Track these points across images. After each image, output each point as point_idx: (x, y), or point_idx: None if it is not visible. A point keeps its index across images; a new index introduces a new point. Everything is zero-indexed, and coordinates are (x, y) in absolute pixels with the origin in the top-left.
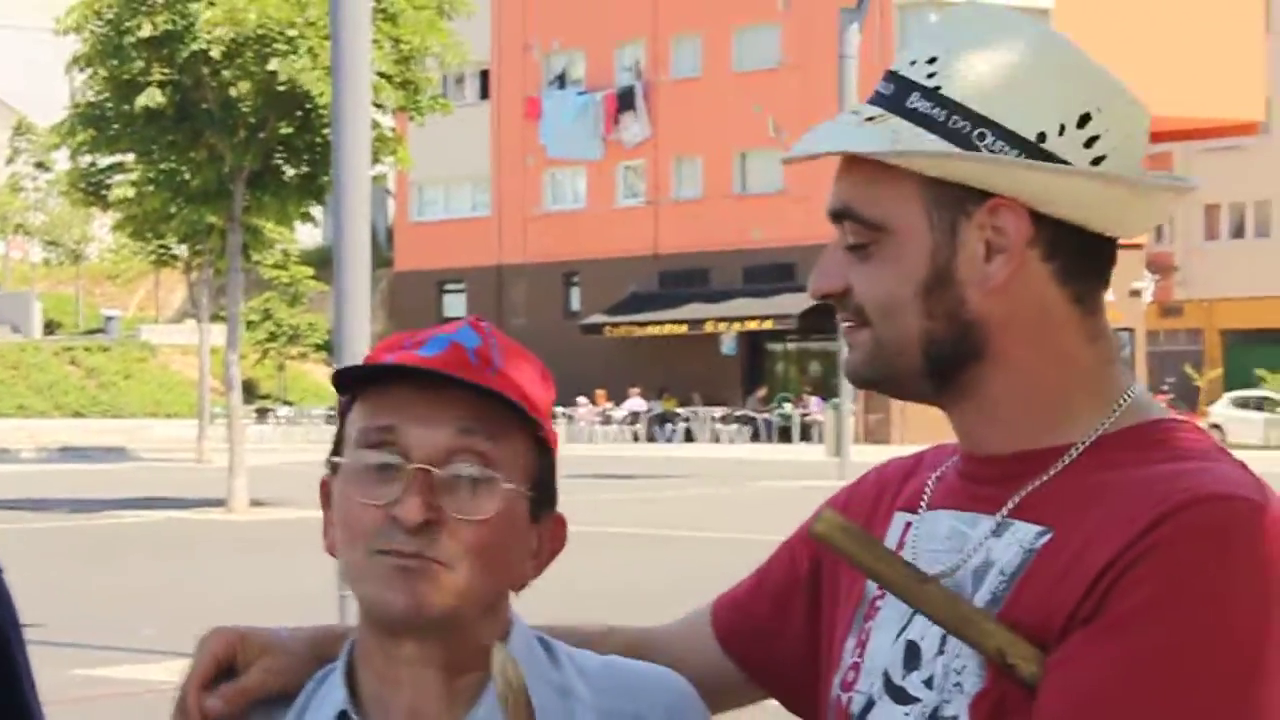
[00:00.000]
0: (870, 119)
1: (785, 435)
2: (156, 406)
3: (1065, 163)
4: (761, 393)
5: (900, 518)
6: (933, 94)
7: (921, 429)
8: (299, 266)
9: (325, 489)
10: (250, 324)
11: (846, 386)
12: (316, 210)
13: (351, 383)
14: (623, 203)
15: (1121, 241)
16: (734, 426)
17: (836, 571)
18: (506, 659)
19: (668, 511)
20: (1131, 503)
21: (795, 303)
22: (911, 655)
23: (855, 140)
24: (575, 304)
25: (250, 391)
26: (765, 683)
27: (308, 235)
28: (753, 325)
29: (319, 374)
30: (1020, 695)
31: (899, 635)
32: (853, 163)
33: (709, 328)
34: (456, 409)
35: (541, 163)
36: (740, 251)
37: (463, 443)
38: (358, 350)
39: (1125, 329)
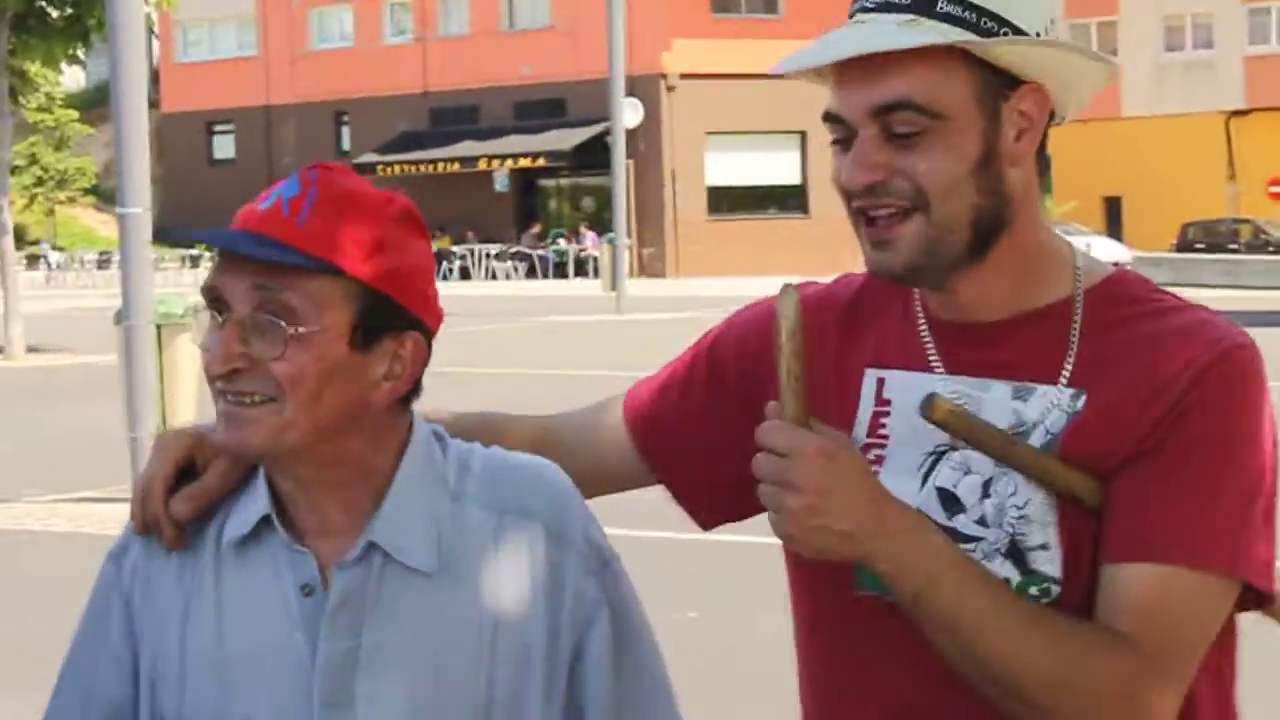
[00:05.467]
0: (909, 22)
1: (561, 271)
2: None
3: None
4: (536, 229)
5: (871, 375)
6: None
7: (694, 262)
8: (64, 110)
9: None
10: (16, 169)
11: (621, 220)
12: (82, 52)
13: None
14: (390, 40)
15: None
16: (510, 263)
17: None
18: (795, 297)
19: (450, 349)
20: (1161, 360)
21: (566, 138)
22: (950, 501)
23: (917, 38)
24: (346, 143)
25: (20, 237)
26: (671, 481)
27: (71, 78)
28: (525, 162)
29: (88, 218)
30: (1086, 519)
31: (924, 484)
32: (895, 61)
33: (481, 165)
34: (257, 266)
35: (307, 1)
36: (510, 88)
37: (259, 296)
38: (140, 194)
39: None
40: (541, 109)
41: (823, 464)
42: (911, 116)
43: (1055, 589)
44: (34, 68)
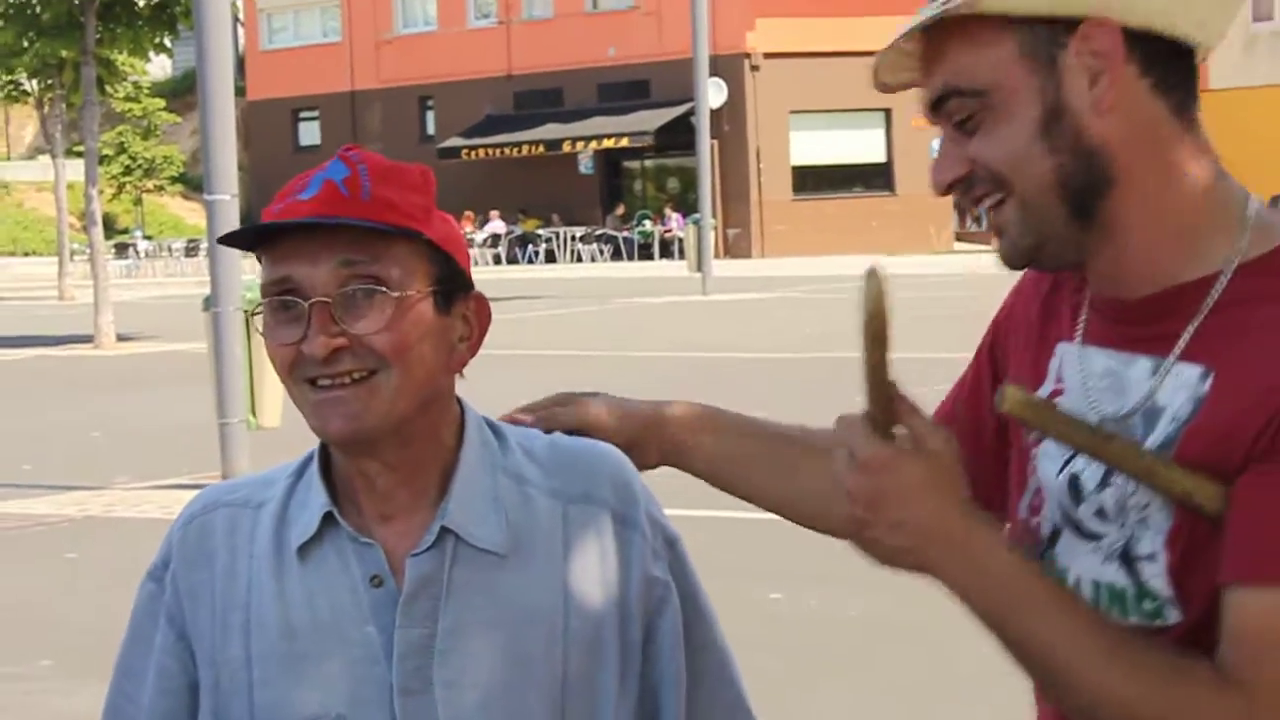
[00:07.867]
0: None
1: (646, 252)
2: (14, 245)
3: None
4: (620, 210)
5: (1061, 348)
6: None
7: (779, 242)
8: (151, 99)
9: None
10: (105, 158)
11: (706, 201)
12: (168, 40)
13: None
14: (475, 24)
15: None
16: (594, 246)
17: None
18: (879, 280)
19: (537, 332)
20: None
21: (650, 119)
22: (1074, 488)
23: (916, 19)
24: (431, 128)
25: (108, 226)
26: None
27: (158, 67)
28: (609, 143)
29: (176, 206)
30: (1207, 528)
31: (1063, 469)
32: (937, 48)
33: (566, 147)
34: (335, 244)
35: None
36: (594, 69)
37: (346, 272)
38: (227, 181)
39: None
40: (625, 90)
41: (867, 478)
42: (959, 102)
43: (1170, 612)
44: (121, 57)
